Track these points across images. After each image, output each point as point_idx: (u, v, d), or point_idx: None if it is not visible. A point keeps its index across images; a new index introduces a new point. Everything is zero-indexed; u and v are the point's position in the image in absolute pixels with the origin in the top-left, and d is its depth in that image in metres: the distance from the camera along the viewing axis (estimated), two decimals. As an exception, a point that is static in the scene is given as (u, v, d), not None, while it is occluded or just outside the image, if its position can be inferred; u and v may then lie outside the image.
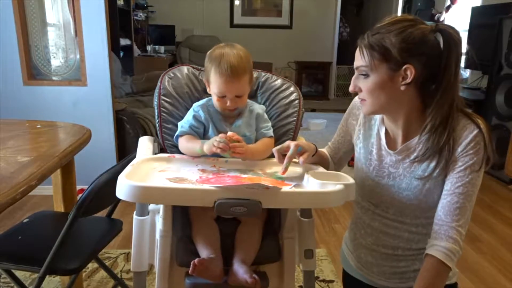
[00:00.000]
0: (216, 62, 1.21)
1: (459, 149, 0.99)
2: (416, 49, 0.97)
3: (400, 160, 1.08)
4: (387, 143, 1.11)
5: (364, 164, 1.16)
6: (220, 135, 1.16)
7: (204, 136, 1.30)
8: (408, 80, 0.98)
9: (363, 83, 1.03)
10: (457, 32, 0.98)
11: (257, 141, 1.31)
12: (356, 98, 1.19)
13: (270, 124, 1.35)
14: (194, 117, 1.29)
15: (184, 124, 1.29)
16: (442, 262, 0.96)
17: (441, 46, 0.99)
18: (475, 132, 0.98)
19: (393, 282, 1.15)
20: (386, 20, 1.01)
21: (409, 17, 1.01)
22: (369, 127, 1.17)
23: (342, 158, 1.32)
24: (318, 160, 1.23)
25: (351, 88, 1.07)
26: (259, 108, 1.35)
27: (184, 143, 1.27)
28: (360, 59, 1.03)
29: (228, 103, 1.23)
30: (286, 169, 1.10)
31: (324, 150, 1.32)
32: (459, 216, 0.98)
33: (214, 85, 1.23)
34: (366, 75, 1.02)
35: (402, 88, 0.99)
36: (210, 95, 1.44)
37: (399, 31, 0.97)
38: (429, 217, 1.05)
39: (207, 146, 1.17)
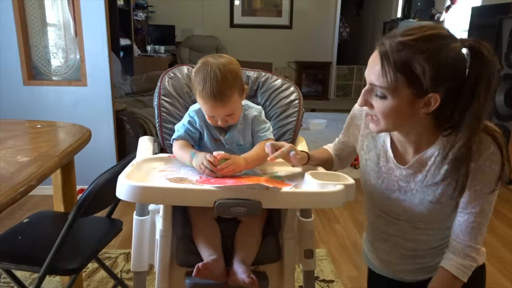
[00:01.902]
0: (200, 86, 1.14)
1: (475, 166, 0.93)
2: (447, 76, 0.87)
3: (411, 174, 1.02)
4: (395, 156, 1.05)
5: (371, 176, 1.11)
6: (207, 156, 1.10)
7: (200, 141, 1.29)
8: (431, 109, 0.90)
9: (378, 103, 0.92)
10: (489, 50, 0.87)
11: (255, 143, 1.28)
12: (357, 107, 1.12)
13: (268, 125, 1.32)
14: (189, 122, 1.26)
15: (179, 128, 1.27)
16: (455, 276, 0.96)
17: (467, 66, 0.88)
18: (491, 149, 0.93)
19: (419, 275, 1.13)
20: (416, 31, 0.86)
21: (443, 33, 0.88)
22: (373, 138, 1.11)
23: (347, 158, 1.29)
24: (318, 163, 1.20)
25: (360, 103, 0.95)
26: (255, 111, 1.30)
27: (177, 150, 1.24)
28: (378, 76, 0.88)
29: (219, 122, 1.21)
30: (275, 157, 1.05)
31: (329, 149, 1.30)
32: (476, 235, 0.98)
33: (202, 106, 1.20)
34: (384, 97, 0.90)
35: (422, 115, 0.92)
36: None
37: (432, 54, 0.84)
38: (445, 222, 1.04)
39: (195, 162, 1.13)
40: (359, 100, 0.95)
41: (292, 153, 1.07)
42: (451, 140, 0.93)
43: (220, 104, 1.15)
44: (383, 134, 1.07)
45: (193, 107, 1.30)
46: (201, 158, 1.11)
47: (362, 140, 1.14)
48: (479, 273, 1.07)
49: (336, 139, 1.29)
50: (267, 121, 1.33)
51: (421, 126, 0.96)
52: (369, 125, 1.01)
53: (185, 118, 1.29)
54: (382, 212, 1.12)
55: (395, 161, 1.05)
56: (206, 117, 1.22)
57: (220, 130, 1.27)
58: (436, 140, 0.98)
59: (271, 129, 1.32)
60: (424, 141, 0.99)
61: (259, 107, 1.35)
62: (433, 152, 0.98)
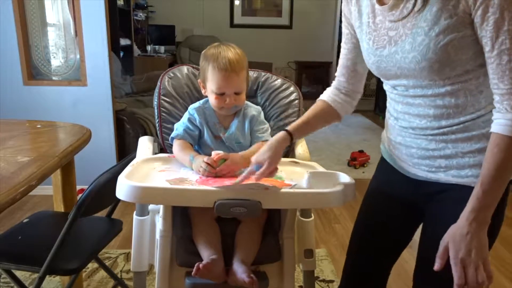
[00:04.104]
0: (213, 57, 1.19)
1: None
2: None
3: (398, 16, 0.94)
4: (378, 1, 0.99)
5: (365, 42, 1.04)
6: (205, 159, 1.11)
7: (199, 139, 1.29)
8: None
9: None
10: None
11: (253, 143, 1.29)
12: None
13: (266, 125, 1.32)
14: (189, 120, 1.27)
15: (179, 127, 1.27)
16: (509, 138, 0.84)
17: None
18: None
19: (422, 170, 1.03)
20: None
21: None
22: (359, 6, 1.06)
23: (358, 80, 1.17)
24: (310, 128, 1.16)
25: None
26: (254, 110, 1.31)
27: (176, 150, 1.25)
28: None
29: (227, 100, 1.21)
30: (241, 181, 1.03)
31: (327, 99, 1.19)
32: None
33: (212, 82, 1.20)
34: None
35: None
36: (209, 95, 1.44)
37: None
38: (453, 81, 0.92)
39: (195, 166, 1.15)
40: None
41: (256, 168, 1.04)
42: None
43: (234, 74, 1.18)
44: None
45: (193, 105, 1.31)
46: (199, 161, 1.13)
47: (354, 9, 1.07)
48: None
49: (339, 66, 1.19)
50: (266, 122, 1.34)
51: None
52: None
53: (185, 116, 1.29)
54: (389, 86, 1.04)
55: (378, 5, 0.99)
56: (214, 97, 1.22)
57: (220, 126, 1.27)
58: None
59: (269, 130, 1.32)
60: None
61: (258, 107, 1.36)
62: None
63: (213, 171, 1.10)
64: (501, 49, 0.83)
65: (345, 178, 1.06)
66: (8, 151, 1.49)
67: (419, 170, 1.04)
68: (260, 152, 1.07)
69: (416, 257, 1.11)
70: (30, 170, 1.29)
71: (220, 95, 1.21)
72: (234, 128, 1.27)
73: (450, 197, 0.98)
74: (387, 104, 1.11)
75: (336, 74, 1.19)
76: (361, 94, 1.20)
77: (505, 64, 0.83)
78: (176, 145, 1.25)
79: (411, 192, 1.08)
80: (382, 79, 1.06)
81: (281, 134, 1.10)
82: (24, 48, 2.84)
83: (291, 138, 1.10)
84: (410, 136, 1.02)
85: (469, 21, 0.86)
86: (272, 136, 1.25)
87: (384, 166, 1.16)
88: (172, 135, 1.28)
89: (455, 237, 0.90)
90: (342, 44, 1.16)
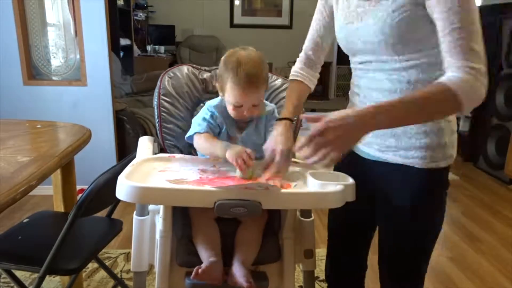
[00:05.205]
0: (233, 71, 1.13)
1: None
2: None
3: None
4: None
5: (338, 18, 1.13)
6: (247, 150, 1.08)
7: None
8: None
9: None
10: None
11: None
12: None
13: None
14: (212, 117, 1.23)
15: (200, 122, 1.23)
16: (450, 90, 0.86)
17: None
18: None
19: (373, 149, 1.10)
20: None
21: None
22: None
23: (322, 54, 1.28)
24: (302, 100, 1.23)
25: None
26: (269, 107, 1.31)
27: (202, 142, 1.20)
28: None
29: (245, 113, 1.18)
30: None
31: (300, 79, 1.26)
32: (468, 53, 0.87)
33: (230, 95, 1.16)
34: None
35: None
36: (209, 94, 1.44)
37: None
38: (407, 58, 0.99)
39: (231, 154, 1.08)
40: None
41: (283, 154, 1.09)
42: None
43: (254, 88, 1.15)
44: None
45: (211, 103, 1.27)
46: (240, 150, 1.08)
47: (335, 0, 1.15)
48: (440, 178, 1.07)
49: (301, 53, 1.31)
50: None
51: None
52: None
53: (205, 113, 1.24)
54: (356, 62, 1.13)
55: None
56: (231, 108, 1.19)
57: (237, 127, 1.26)
58: None
59: None
60: None
61: (273, 104, 1.35)
62: None
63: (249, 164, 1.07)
64: (452, 28, 0.88)
65: (345, 178, 1.06)
66: (8, 151, 1.49)
67: (371, 149, 1.11)
68: (277, 142, 1.10)
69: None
70: (30, 170, 1.29)
71: (238, 107, 1.18)
72: (251, 128, 1.26)
73: (397, 179, 1.07)
74: (351, 82, 1.20)
75: (304, 49, 1.30)
76: (321, 66, 1.31)
77: (456, 41, 0.88)
78: (202, 137, 1.21)
79: (365, 174, 1.13)
80: (350, 57, 1.16)
81: (284, 123, 1.15)
82: (24, 48, 2.84)
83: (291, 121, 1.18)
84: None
85: (421, 2, 0.93)
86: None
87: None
88: (196, 130, 1.23)
89: (341, 114, 0.89)
90: (314, 22, 1.26)
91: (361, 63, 1.11)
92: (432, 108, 0.90)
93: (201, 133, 1.21)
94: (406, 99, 0.92)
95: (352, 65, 1.17)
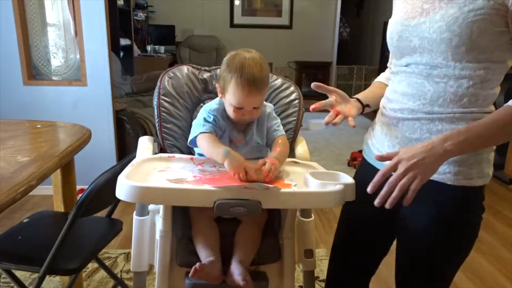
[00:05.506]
0: (237, 73, 1.12)
1: None
2: None
3: None
4: None
5: (397, 13, 1.05)
6: (255, 169, 1.06)
7: None
8: None
9: None
10: None
11: (269, 139, 1.28)
12: None
13: (279, 121, 1.33)
14: (214, 120, 1.22)
15: (204, 123, 1.21)
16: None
17: None
18: None
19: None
20: None
21: None
22: None
23: None
24: (378, 96, 1.15)
25: None
26: (268, 108, 1.31)
27: (205, 142, 1.18)
28: None
29: (245, 115, 1.18)
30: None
31: (383, 81, 1.22)
32: None
33: (232, 97, 1.15)
34: None
35: None
36: (209, 94, 1.44)
37: None
38: (462, 67, 0.93)
39: (230, 165, 1.06)
40: None
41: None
42: None
43: (257, 92, 1.14)
44: None
45: (211, 107, 1.25)
46: (239, 164, 1.06)
47: None
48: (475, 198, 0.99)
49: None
50: (277, 117, 1.34)
51: None
52: None
53: (206, 116, 1.23)
54: (399, 62, 1.05)
55: None
56: (232, 109, 1.18)
57: (237, 129, 1.25)
58: None
59: (281, 126, 1.32)
60: None
61: (270, 104, 1.35)
62: None
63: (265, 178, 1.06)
64: None
65: (345, 178, 1.06)
66: (8, 151, 1.49)
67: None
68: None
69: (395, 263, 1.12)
70: (30, 170, 1.29)
71: (239, 109, 1.18)
72: (253, 130, 1.26)
73: (425, 196, 0.92)
74: (387, 89, 1.12)
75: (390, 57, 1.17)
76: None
77: None
78: (206, 137, 1.18)
79: None
80: (395, 58, 1.07)
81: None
82: (24, 48, 2.84)
83: (362, 106, 1.12)
84: (397, 124, 1.03)
85: (503, 13, 0.87)
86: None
87: (362, 167, 1.17)
88: (201, 130, 1.20)
89: (411, 148, 0.88)
90: None
91: (407, 65, 1.01)
92: (502, 132, 0.90)
93: (206, 133, 1.20)
94: (475, 124, 0.89)
95: (393, 69, 1.09)
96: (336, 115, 1.03)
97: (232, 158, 1.08)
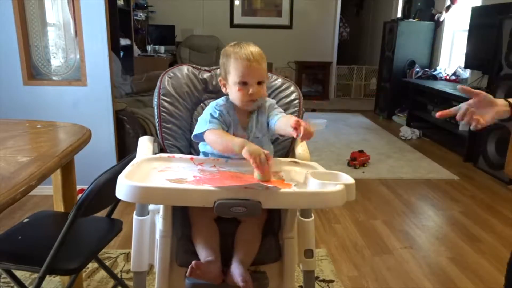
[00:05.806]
0: (235, 50, 1.22)
1: None
2: None
3: None
4: None
5: None
6: (266, 152, 1.08)
7: None
8: None
9: None
10: None
11: (271, 124, 1.27)
12: None
13: (281, 110, 1.33)
14: (220, 115, 1.24)
15: (211, 119, 1.24)
16: None
17: None
18: None
19: None
20: None
21: None
22: None
23: None
24: None
25: None
26: (269, 101, 1.34)
27: (217, 136, 1.20)
28: None
29: (251, 91, 1.20)
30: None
31: None
32: None
33: (235, 73, 1.21)
34: None
35: None
36: (210, 94, 1.44)
37: None
38: None
39: (249, 151, 1.06)
40: None
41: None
42: None
43: (257, 63, 1.20)
44: None
45: (217, 103, 1.28)
46: (258, 150, 1.07)
47: None
48: None
49: None
50: (280, 109, 1.35)
51: None
52: None
53: (212, 111, 1.25)
54: None
55: None
56: (237, 88, 1.22)
57: (241, 124, 1.27)
58: None
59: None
60: None
61: (273, 100, 1.37)
62: None
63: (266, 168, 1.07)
64: None
65: (345, 178, 1.06)
66: (8, 151, 1.49)
67: None
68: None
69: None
70: (30, 170, 1.29)
71: (243, 85, 1.21)
72: (253, 125, 1.28)
73: None
74: None
75: None
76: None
77: None
78: (215, 132, 1.21)
79: None
80: None
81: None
82: (24, 48, 2.83)
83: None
84: None
85: None
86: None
87: None
88: (208, 126, 1.22)
89: None
90: None
91: None
92: None
93: (215, 128, 1.22)
94: None
95: None
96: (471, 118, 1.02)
97: (250, 145, 1.10)
